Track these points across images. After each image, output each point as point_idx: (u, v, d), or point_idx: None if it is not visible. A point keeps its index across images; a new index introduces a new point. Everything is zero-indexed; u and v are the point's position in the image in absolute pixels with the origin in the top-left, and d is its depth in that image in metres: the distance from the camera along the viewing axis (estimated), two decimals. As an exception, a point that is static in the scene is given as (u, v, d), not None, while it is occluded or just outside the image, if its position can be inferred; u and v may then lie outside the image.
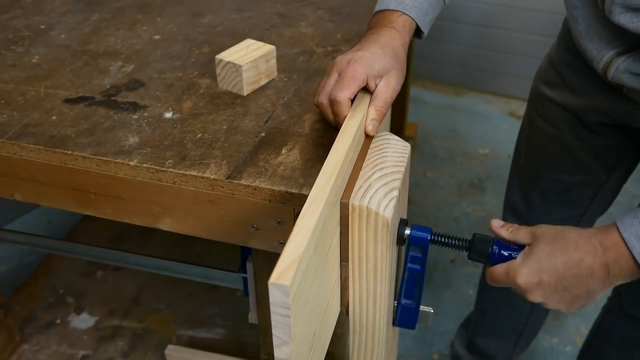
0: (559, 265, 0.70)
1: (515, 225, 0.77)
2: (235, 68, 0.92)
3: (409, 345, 1.63)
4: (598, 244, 0.69)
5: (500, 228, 0.77)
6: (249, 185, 0.76)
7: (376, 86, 0.77)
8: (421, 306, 0.82)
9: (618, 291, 1.18)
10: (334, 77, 0.77)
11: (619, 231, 0.68)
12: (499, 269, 0.75)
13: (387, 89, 0.77)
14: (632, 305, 1.13)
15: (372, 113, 0.76)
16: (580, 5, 0.88)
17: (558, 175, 1.11)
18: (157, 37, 1.11)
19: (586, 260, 0.69)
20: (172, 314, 1.49)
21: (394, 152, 0.75)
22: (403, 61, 0.80)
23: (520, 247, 0.77)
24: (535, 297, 0.72)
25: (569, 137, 1.05)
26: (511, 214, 1.22)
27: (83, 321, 1.47)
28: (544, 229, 0.74)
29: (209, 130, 0.86)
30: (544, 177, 1.12)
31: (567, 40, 1.01)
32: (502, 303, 1.34)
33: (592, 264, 0.69)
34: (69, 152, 0.82)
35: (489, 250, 0.76)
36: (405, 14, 0.84)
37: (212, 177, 0.77)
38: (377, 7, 0.87)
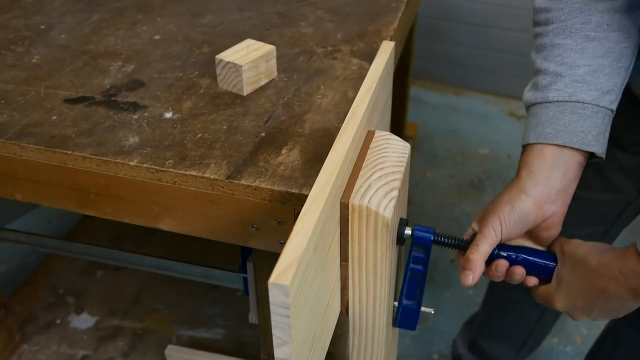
0: (587, 292, 0.71)
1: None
2: (236, 68, 0.92)
3: (409, 345, 1.63)
4: (618, 272, 0.68)
5: None
6: (249, 185, 0.76)
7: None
8: (422, 307, 0.82)
9: None
10: None
11: (638, 254, 0.67)
12: (540, 291, 0.76)
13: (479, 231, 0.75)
14: None
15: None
16: None
17: (584, 193, 1.04)
18: (157, 37, 1.11)
19: (610, 288, 0.69)
20: (172, 314, 1.49)
21: (394, 152, 0.76)
22: (509, 204, 0.74)
23: (519, 249, 0.76)
24: (579, 317, 0.74)
25: None
26: None
27: (83, 321, 1.47)
28: (571, 247, 0.74)
29: (209, 130, 0.86)
30: None
31: None
32: (510, 309, 1.33)
33: (617, 290, 0.69)
34: (69, 152, 0.82)
35: (489, 250, 0.76)
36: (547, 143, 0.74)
37: (212, 177, 0.77)
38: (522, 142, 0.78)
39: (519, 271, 0.75)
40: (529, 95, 0.78)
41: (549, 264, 0.75)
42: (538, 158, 0.73)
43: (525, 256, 0.76)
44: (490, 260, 0.76)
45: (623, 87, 0.76)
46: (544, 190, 0.73)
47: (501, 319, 1.36)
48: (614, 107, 0.75)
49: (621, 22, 0.75)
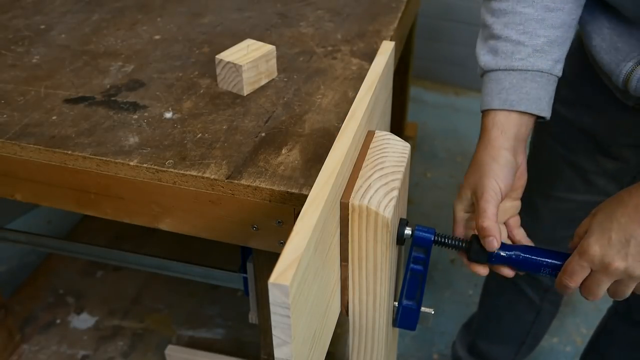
0: (619, 217, 0.70)
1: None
2: (236, 68, 0.92)
3: (409, 345, 1.63)
4: None
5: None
6: (249, 185, 0.76)
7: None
8: (422, 307, 0.82)
9: None
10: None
11: None
12: (573, 259, 0.73)
13: (477, 204, 0.76)
14: None
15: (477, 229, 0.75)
16: (592, 20, 0.85)
17: (569, 195, 1.08)
18: (157, 37, 1.11)
19: None
20: (172, 314, 1.49)
21: (394, 152, 0.75)
22: (490, 168, 0.76)
23: (518, 248, 0.77)
24: (616, 263, 0.69)
25: (583, 159, 1.02)
26: None
27: (83, 321, 1.47)
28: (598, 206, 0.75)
29: (209, 130, 0.86)
30: (555, 196, 1.10)
31: (580, 54, 0.97)
32: (505, 311, 1.33)
33: None
34: (69, 152, 0.82)
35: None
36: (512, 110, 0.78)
37: (212, 177, 0.77)
38: (481, 107, 0.82)
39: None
40: (487, 59, 0.81)
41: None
42: (506, 119, 0.78)
43: (541, 258, 0.76)
44: (491, 261, 0.76)
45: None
46: (514, 143, 0.78)
47: (498, 321, 1.36)
48: (560, 74, 0.81)
49: None
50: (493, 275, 1.35)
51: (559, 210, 1.11)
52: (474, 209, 0.77)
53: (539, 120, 0.81)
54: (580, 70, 0.98)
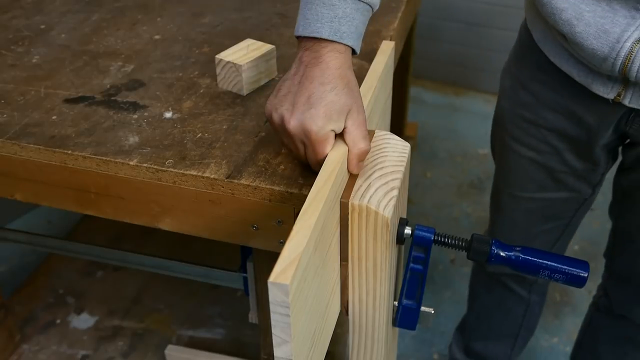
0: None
1: None
2: (235, 68, 0.92)
3: (409, 345, 1.63)
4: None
5: None
6: (249, 185, 0.76)
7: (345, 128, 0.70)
8: (422, 307, 0.82)
9: (605, 291, 1.17)
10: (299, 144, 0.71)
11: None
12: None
13: (358, 127, 0.70)
14: (621, 306, 1.13)
15: (357, 156, 0.70)
16: (568, 7, 0.79)
17: (540, 194, 1.07)
18: (157, 37, 1.11)
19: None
20: (172, 314, 1.49)
21: (394, 151, 0.75)
22: (357, 89, 0.72)
23: (517, 249, 0.77)
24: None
25: (551, 160, 1.01)
26: (495, 231, 1.20)
27: (83, 321, 1.47)
28: None
29: (209, 130, 0.86)
30: (525, 197, 1.09)
31: (535, 57, 0.93)
32: (495, 309, 1.33)
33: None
34: (69, 152, 0.82)
35: (488, 251, 0.76)
36: (341, 43, 0.70)
37: (212, 176, 0.77)
38: (302, 32, 0.71)
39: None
40: None
41: (580, 273, 0.75)
42: (345, 51, 0.71)
43: (554, 264, 0.75)
44: (490, 260, 0.76)
45: None
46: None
47: (489, 320, 1.36)
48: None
49: None
50: (477, 277, 1.36)
51: (531, 210, 1.10)
52: (348, 130, 0.70)
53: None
54: (536, 73, 0.95)
